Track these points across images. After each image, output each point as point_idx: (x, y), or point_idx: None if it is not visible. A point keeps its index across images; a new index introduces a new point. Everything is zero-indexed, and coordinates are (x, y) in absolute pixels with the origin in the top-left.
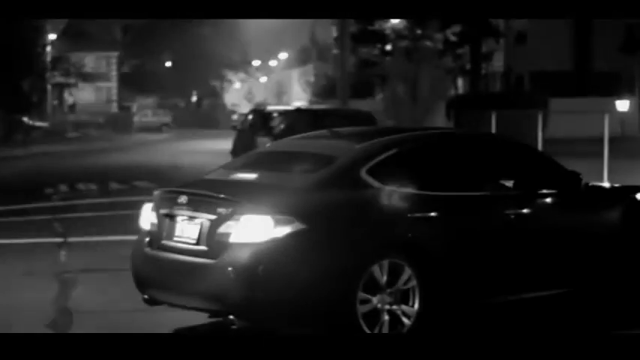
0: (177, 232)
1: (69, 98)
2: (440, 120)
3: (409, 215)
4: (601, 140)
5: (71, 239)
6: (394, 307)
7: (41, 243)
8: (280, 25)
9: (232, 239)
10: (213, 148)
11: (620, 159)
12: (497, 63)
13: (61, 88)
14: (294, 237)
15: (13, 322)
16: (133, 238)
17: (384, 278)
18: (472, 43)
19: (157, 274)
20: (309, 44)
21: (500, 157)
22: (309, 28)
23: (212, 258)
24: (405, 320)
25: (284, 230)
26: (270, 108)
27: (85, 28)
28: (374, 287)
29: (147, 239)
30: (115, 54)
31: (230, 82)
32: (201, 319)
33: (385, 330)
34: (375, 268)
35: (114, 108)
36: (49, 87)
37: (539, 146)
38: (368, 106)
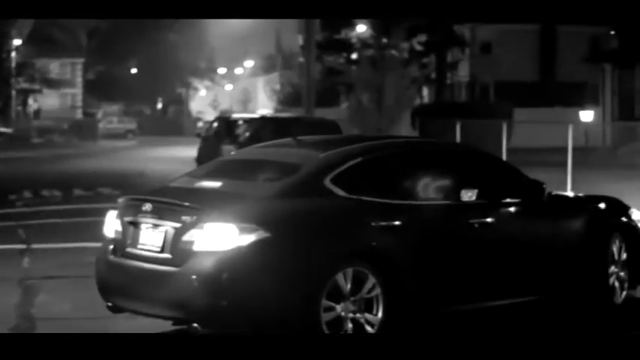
0: (142, 239)
1: (33, 104)
2: (405, 129)
3: (373, 224)
4: (565, 150)
5: (35, 246)
6: (358, 315)
7: (4, 249)
8: (246, 33)
9: (196, 247)
10: (178, 156)
11: (584, 169)
12: (463, 73)
13: (25, 94)
14: (258, 245)
15: None
16: (97, 245)
17: (348, 286)
18: (438, 53)
19: (121, 281)
20: (274, 52)
21: (464, 166)
22: (275, 36)
23: (176, 266)
24: (369, 329)
25: (248, 238)
26: (235, 116)
27: (51, 34)
28: (338, 295)
29: (111, 246)
30: (80, 60)
31: (196, 89)
32: (165, 326)
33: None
34: (339, 277)
35: (79, 114)
36: (13, 93)
37: (504, 156)
38: (333, 115)
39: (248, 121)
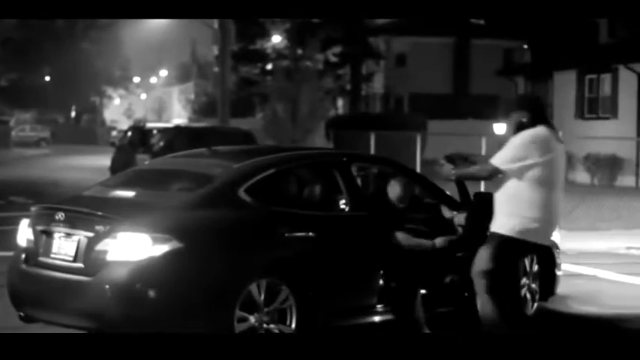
0: (54, 249)
1: None
2: (319, 140)
3: (286, 235)
4: None
5: None
6: (271, 325)
7: None
8: (161, 42)
9: (109, 257)
10: (92, 164)
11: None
12: (378, 84)
13: None
14: (171, 255)
15: None
16: (9, 254)
17: (262, 297)
18: (352, 64)
19: (33, 291)
20: (189, 61)
21: (375, 178)
22: (190, 45)
23: (89, 275)
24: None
25: (161, 249)
26: (149, 125)
27: None
28: (251, 306)
29: (23, 255)
30: None
31: (110, 98)
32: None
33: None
34: (253, 287)
35: None
36: None
37: (418, 167)
38: (248, 125)
39: (162, 131)
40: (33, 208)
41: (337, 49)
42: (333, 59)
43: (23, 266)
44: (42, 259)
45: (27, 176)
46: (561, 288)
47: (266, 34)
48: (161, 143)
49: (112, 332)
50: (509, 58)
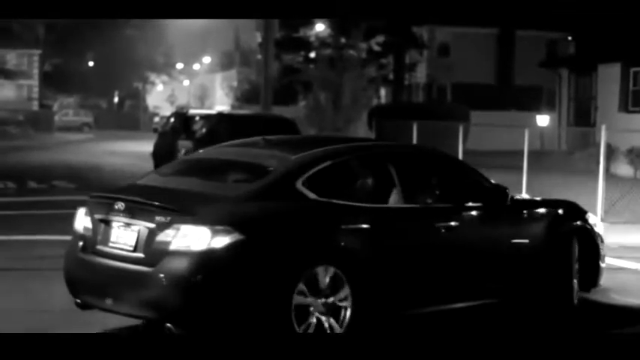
0: (113, 237)
1: None
2: (362, 129)
3: (342, 227)
4: (520, 153)
5: None
6: (326, 317)
7: None
8: (204, 29)
9: (171, 248)
10: (134, 150)
11: (540, 173)
12: (420, 74)
13: None
14: (232, 247)
15: None
16: (50, 238)
17: (318, 287)
18: (395, 54)
19: (91, 278)
20: (233, 49)
21: (430, 170)
22: (234, 33)
23: (149, 266)
24: (337, 327)
25: (223, 241)
26: (192, 111)
27: (8, 25)
28: (307, 295)
29: (81, 243)
30: (38, 52)
31: (153, 84)
32: (130, 321)
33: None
34: (309, 278)
35: (35, 106)
36: None
37: (460, 158)
38: (290, 113)
39: (205, 117)
40: (90, 196)
41: (380, 39)
42: (377, 48)
43: (81, 254)
44: (100, 247)
45: (69, 161)
46: (603, 281)
47: (310, 23)
48: (203, 130)
49: (170, 322)
50: (552, 50)
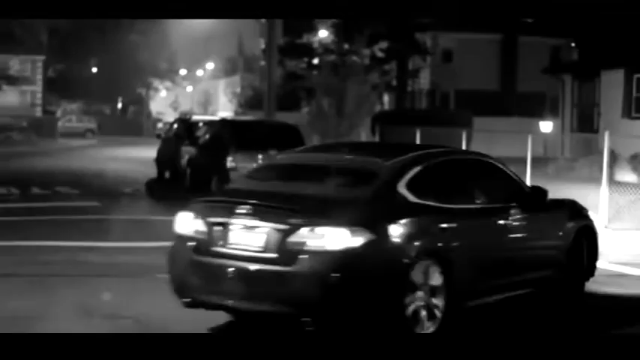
0: (233, 239)
1: None
2: (365, 135)
3: (437, 225)
4: (523, 160)
5: None
6: (427, 302)
7: None
8: (208, 35)
9: (307, 248)
10: (137, 156)
11: (543, 180)
12: (424, 80)
13: None
14: (365, 246)
15: None
16: (54, 243)
17: (423, 280)
18: (399, 60)
19: (209, 278)
20: (236, 55)
21: (489, 173)
22: (237, 39)
23: (284, 265)
24: (438, 313)
25: (358, 240)
26: (195, 117)
27: (11, 31)
28: (415, 287)
29: (191, 245)
30: (41, 58)
31: (156, 90)
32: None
33: (425, 321)
34: (417, 271)
35: (38, 112)
36: None
37: None
38: (294, 119)
39: (208, 123)
40: (198, 201)
41: (384, 45)
42: (380, 54)
43: (194, 256)
44: (217, 249)
45: (73, 167)
46: (607, 288)
47: (313, 29)
48: (206, 136)
49: (308, 316)
50: (556, 56)
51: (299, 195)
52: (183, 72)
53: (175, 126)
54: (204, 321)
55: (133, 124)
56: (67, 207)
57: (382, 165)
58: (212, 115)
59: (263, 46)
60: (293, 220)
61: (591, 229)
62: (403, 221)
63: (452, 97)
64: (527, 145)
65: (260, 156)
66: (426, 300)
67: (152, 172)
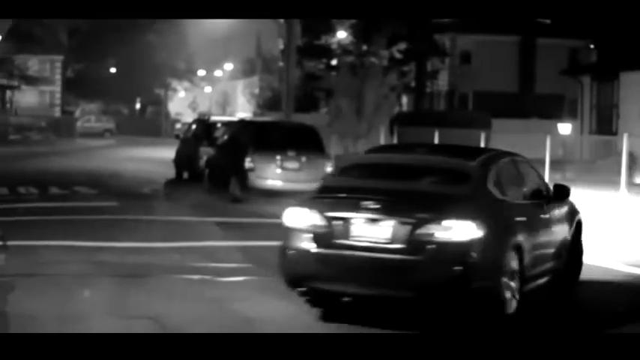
0: (355, 232)
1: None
2: (383, 137)
3: (515, 218)
4: (542, 162)
5: (10, 243)
6: (510, 286)
7: None
8: (226, 36)
9: (434, 239)
10: (155, 156)
11: (561, 181)
12: (442, 82)
13: (3, 90)
14: (485, 237)
15: None
16: (71, 243)
17: (509, 265)
18: (417, 61)
19: (332, 268)
20: (254, 56)
21: (527, 173)
22: (256, 40)
23: (411, 255)
24: (516, 296)
25: (479, 232)
26: (214, 118)
27: (31, 31)
28: (506, 272)
29: (310, 238)
30: (60, 58)
31: (174, 90)
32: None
33: (510, 302)
34: (508, 257)
35: (57, 112)
36: None
37: None
38: (312, 120)
39: (226, 124)
40: (313, 197)
41: (402, 46)
42: (398, 56)
43: (314, 248)
44: (339, 241)
45: (91, 167)
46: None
47: (331, 30)
48: (225, 137)
49: (434, 299)
50: (574, 58)
51: (411, 191)
52: (201, 73)
53: (194, 127)
54: (219, 320)
55: (151, 124)
56: (85, 207)
57: (471, 165)
58: (230, 115)
59: (281, 47)
60: (420, 215)
61: (581, 225)
62: (498, 214)
63: (470, 98)
64: (546, 146)
65: (278, 157)
66: (509, 284)
67: (170, 172)
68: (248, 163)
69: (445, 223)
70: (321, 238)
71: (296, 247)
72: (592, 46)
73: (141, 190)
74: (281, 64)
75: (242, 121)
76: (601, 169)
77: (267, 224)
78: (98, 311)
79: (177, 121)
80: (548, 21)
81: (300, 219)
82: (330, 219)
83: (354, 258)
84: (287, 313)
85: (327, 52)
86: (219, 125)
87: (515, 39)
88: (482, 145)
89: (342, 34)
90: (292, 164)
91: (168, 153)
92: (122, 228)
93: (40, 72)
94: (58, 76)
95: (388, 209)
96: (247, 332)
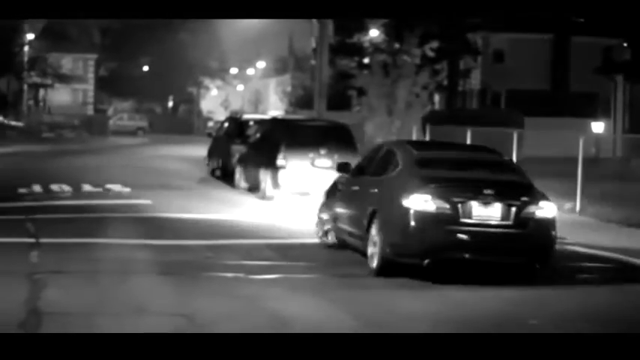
0: (475, 212)
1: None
2: (415, 135)
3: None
4: (575, 160)
5: (43, 240)
6: None
7: (13, 243)
8: (259, 34)
9: (535, 217)
10: (188, 154)
11: (596, 181)
12: (475, 80)
13: (37, 88)
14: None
15: None
16: (104, 241)
17: None
18: (450, 60)
19: (459, 241)
20: (287, 54)
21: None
22: (288, 38)
23: (518, 228)
24: None
25: (556, 211)
26: (246, 116)
27: (64, 30)
28: None
29: (437, 218)
30: (93, 56)
31: (207, 88)
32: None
33: None
34: None
35: (90, 110)
36: (25, 87)
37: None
38: (344, 118)
39: (259, 122)
40: (433, 185)
41: (435, 45)
42: (431, 54)
43: (442, 226)
44: (463, 219)
45: (124, 164)
46: None
47: (364, 28)
48: (257, 135)
49: (537, 263)
50: (608, 56)
51: (502, 181)
52: (234, 71)
53: (226, 125)
54: (253, 318)
55: (183, 122)
56: (118, 205)
57: (508, 160)
58: (263, 114)
59: (314, 45)
60: (524, 199)
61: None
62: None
63: (503, 97)
64: (579, 145)
65: (310, 155)
66: None
67: (203, 170)
68: (280, 160)
69: (541, 203)
70: (446, 218)
71: (426, 226)
72: (625, 45)
73: (174, 187)
74: (313, 62)
75: (274, 119)
76: (635, 168)
77: (298, 222)
78: (131, 308)
79: (210, 119)
80: (581, 19)
81: (425, 204)
82: (454, 203)
83: (476, 233)
84: (320, 312)
85: (359, 50)
86: (251, 123)
87: (548, 37)
88: (515, 144)
89: (374, 33)
90: (324, 162)
91: (200, 151)
92: (155, 226)
93: (74, 70)
94: (91, 75)
95: (499, 195)
96: (282, 332)
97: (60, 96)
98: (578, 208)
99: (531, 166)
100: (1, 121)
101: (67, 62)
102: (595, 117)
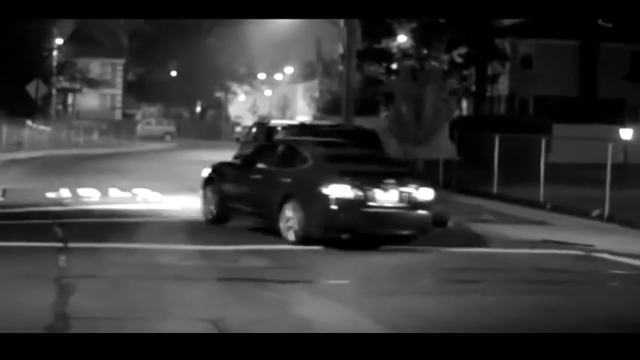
0: (379, 197)
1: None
2: (443, 140)
3: None
4: (604, 166)
5: (71, 244)
6: None
7: (41, 247)
8: (286, 39)
9: (418, 200)
10: (216, 159)
11: (623, 187)
12: (503, 86)
13: (65, 93)
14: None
15: (11, 324)
16: (130, 246)
17: None
18: (478, 65)
19: (371, 219)
20: (314, 59)
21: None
22: (316, 44)
23: (409, 210)
24: None
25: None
26: (274, 122)
27: (92, 35)
28: None
29: (355, 202)
30: (121, 61)
31: (235, 94)
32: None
33: None
34: None
35: (118, 115)
36: (53, 91)
37: (542, 171)
38: (372, 124)
39: (286, 128)
40: (347, 179)
41: (462, 50)
42: (459, 60)
43: (361, 208)
44: (371, 203)
45: (151, 169)
46: None
47: (392, 34)
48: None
49: (420, 233)
50: (636, 62)
51: (392, 172)
52: (261, 76)
53: (254, 130)
54: (279, 323)
55: (211, 127)
56: (147, 210)
57: (389, 155)
58: (290, 119)
59: (341, 50)
60: (412, 186)
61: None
62: None
63: (531, 103)
64: (608, 152)
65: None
66: None
67: None
68: None
69: (422, 189)
70: (362, 201)
71: (349, 208)
72: None
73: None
74: (341, 67)
75: (302, 125)
76: None
77: None
78: (159, 313)
79: (238, 124)
80: (609, 25)
81: (345, 191)
82: (365, 190)
83: (382, 213)
84: (342, 316)
85: (387, 55)
86: (279, 128)
87: (577, 43)
88: (543, 150)
89: (402, 38)
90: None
91: (228, 156)
92: (182, 231)
93: (102, 75)
94: (119, 79)
95: (394, 183)
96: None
97: (88, 101)
98: (606, 214)
99: (560, 171)
100: (30, 126)
101: (95, 67)
102: (623, 124)
